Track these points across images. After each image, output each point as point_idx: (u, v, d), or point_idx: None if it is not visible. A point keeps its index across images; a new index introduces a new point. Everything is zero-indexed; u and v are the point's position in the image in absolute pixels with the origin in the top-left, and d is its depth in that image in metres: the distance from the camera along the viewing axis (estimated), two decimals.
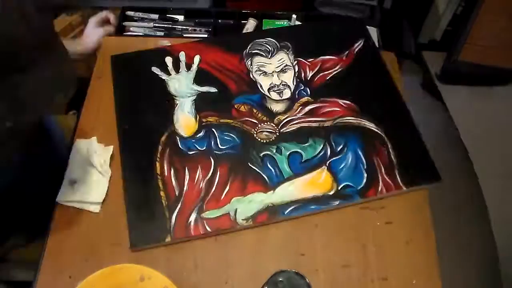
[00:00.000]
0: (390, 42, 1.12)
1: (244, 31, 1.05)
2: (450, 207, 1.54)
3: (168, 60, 0.96)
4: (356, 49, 1.01)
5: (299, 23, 1.08)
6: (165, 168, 0.82)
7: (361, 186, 0.82)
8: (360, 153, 0.85)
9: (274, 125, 0.88)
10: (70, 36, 1.17)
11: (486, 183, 1.64)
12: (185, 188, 0.80)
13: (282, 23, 1.08)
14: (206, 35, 1.04)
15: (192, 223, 0.76)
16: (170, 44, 0.99)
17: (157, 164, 0.82)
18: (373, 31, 1.11)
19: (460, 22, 1.71)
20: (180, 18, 1.02)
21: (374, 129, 0.88)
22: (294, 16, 1.08)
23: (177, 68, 0.95)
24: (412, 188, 0.82)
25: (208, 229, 0.76)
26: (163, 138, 0.85)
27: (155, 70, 0.94)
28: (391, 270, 0.75)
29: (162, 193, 0.79)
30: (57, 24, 1.13)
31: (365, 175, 0.83)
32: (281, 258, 0.75)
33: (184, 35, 1.00)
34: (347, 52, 1.00)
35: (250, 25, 1.06)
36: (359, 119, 0.89)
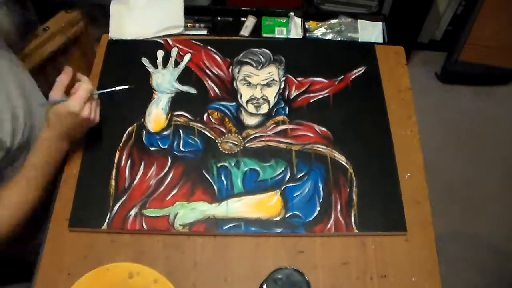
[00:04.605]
0: (400, 34, 1.10)
1: (243, 28, 1.05)
2: (450, 207, 1.56)
3: (160, 54, 0.97)
4: (354, 76, 0.96)
5: (298, 19, 1.06)
6: (123, 158, 0.84)
7: (310, 219, 0.78)
8: (320, 185, 0.82)
9: (240, 138, 0.86)
10: (67, 36, 1.19)
11: (487, 182, 1.67)
12: (135, 182, 0.81)
13: (281, 20, 1.07)
14: (205, 32, 1.04)
15: (131, 217, 0.77)
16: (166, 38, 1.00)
17: (117, 153, 0.84)
18: (378, 26, 1.07)
19: (460, 22, 1.73)
20: None
21: (343, 162, 0.84)
22: (291, 13, 1.06)
23: (166, 63, 0.96)
24: (367, 233, 0.78)
25: (144, 226, 0.77)
26: (130, 129, 0.87)
27: (144, 61, 0.96)
28: (390, 268, 0.75)
29: (112, 182, 0.81)
30: (56, 22, 1.15)
31: (318, 209, 0.79)
32: (280, 255, 0.76)
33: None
34: (342, 77, 0.95)
35: (249, 22, 1.06)
36: (330, 149, 0.85)
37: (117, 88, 0.84)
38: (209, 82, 0.94)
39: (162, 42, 0.99)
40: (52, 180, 0.80)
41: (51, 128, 0.77)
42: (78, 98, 0.76)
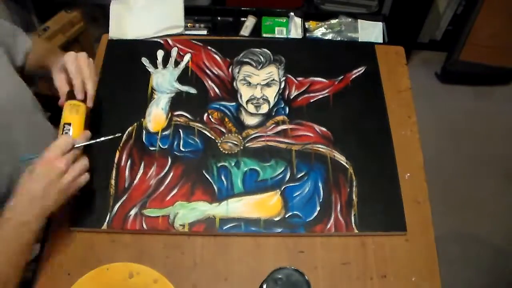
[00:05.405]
0: (400, 34, 1.11)
1: (243, 28, 1.05)
2: (450, 207, 1.56)
3: (160, 54, 0.97)
4: (354, 76, 0.96)
5: (298, 19, 1.06)
6: (123, 158, 0.84)
7: (310, 219, 0.78)
8: (320, 184, 0.82)
9: (240, 138, 0.86)
10: (67, 36, 1.19)
11: (486, 182, 1.67)
12: (135, 182, 0.81)
13: (281, 20, 1.07)
14: (205, 32, 1.04)
15: (131, 217, 0.77)
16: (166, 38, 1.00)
17: (117, 153, 0.84)
18: (378, 26, 1.07)
19: (460, 22, 1.73)
20: None
21: (343, 162, 0.84)
22: (291, 13, 1.06)
23: (166, 63, 0.96)
24: (367, 232, 0.78)
25: (144, 226, 0.77)
26: (130, 129, 0.87)
27: (144, 61, 0.96)
28: (390, 268, 0.75)
29: (112, 182, 0.81)
30: (56, 22, 1.16)
31: (318, 208, 0.79)
32: (281, 255, 0.76)
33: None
34: (342, 77, 0.95)
35: (249, 22, 1.06)
36: (330, 149, 0.85)
37: (105, 138, 0.75)
38: (209, 82, 0.94)
39: (162, 42, 0.99)
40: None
41: (19, 195, 0.61)
42: (54, 149, 0.61)
